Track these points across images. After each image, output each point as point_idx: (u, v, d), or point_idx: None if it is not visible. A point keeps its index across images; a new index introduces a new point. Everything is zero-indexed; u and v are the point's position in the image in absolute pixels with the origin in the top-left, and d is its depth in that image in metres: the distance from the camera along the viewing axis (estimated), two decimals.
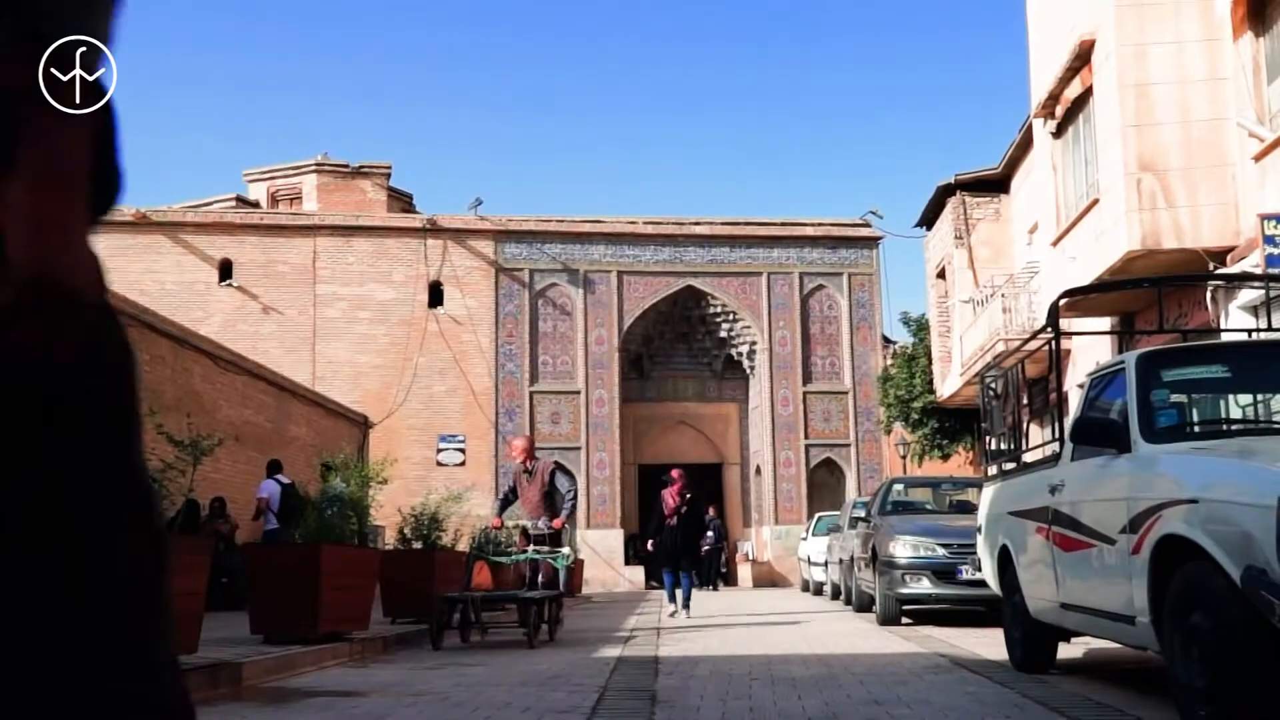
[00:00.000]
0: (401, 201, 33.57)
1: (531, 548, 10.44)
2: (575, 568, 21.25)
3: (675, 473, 13.87)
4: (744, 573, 29.47)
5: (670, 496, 13.43)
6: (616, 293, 30.12)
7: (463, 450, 28.87)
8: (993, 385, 8.32)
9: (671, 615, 13.10)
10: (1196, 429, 5.68)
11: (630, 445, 30.24)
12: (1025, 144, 19.25)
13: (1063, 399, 7.35)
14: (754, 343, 30.69)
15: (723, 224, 30.89)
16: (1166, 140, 12.50)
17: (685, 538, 13.30)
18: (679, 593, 13.27)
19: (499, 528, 11.42)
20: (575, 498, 10.69)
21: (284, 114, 78.67)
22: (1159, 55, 12.63)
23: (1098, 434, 5.27)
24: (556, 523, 10.34)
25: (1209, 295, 12.28)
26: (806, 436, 30.04)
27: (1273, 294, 9.45)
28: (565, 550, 10.49)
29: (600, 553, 28.13)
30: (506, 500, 11.03)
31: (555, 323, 30.28)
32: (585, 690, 6.00)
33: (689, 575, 13.42)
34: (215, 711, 5.45)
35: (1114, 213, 12.87)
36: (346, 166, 32.64)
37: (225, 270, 29.24)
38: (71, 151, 0.98)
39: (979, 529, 7.80)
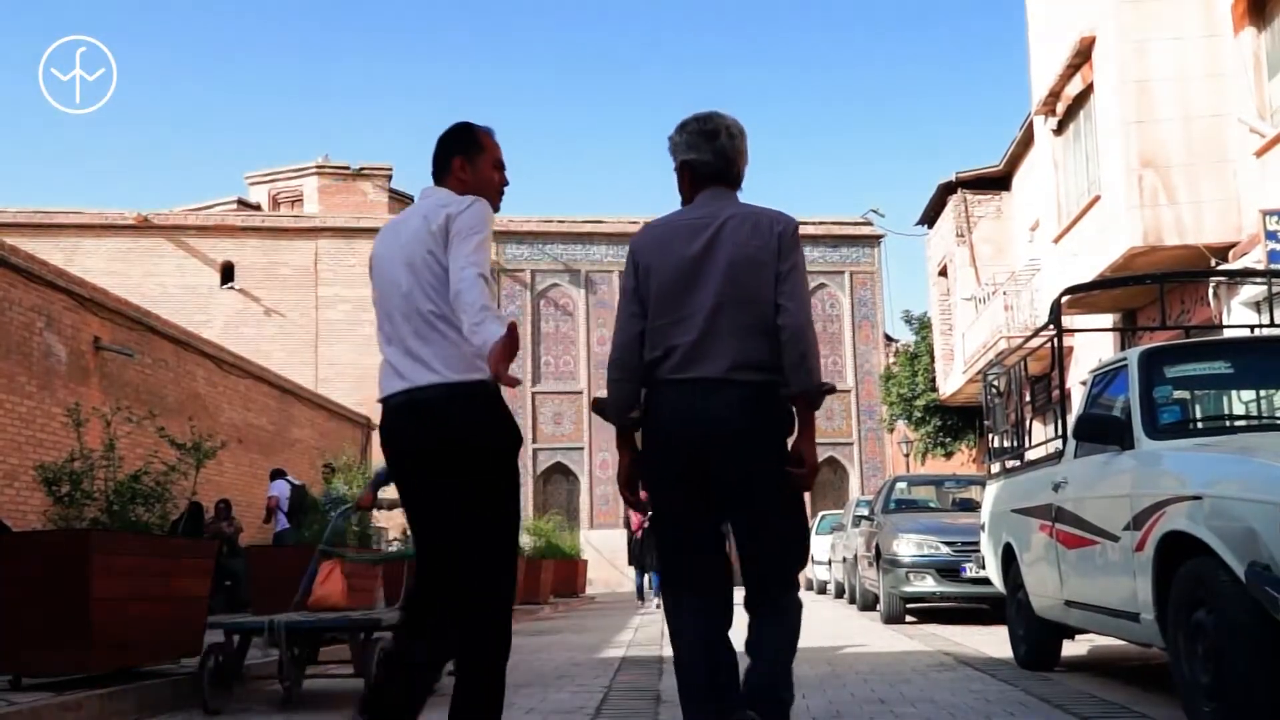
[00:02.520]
0: (403, 203, 33.55)
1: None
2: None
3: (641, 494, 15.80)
4: None
5: (634, 515, 15.96)
6: (618, 293, 30.08)
7: None
8: (995, 383, 8.32)
9: (656, 607, 14.29)
10: (1199, 425, 5.66)
11: None
12: (1026, 141, 19.24)
13: (1065, 396, 7.33)
14: None
15: None
16: (1168, 136, 12.49)
17: (651, 546, 15.83)
18: (649, 589, 16.36)
19: (369, 506, 7.07)
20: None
21: (285, 116, 78.73)
22: (1159, 51, 12.62)
23: (1100, 431, 5.26)
24: None
25: (1211, 291, 12.27)
26: None
27: (1275, 290, 9.45)
28: None
29: (604, 553, 28.14)
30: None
31: (557, 323, 30.28)
32: (590, 690, 6.00)
33: (657, 574, 15.12)
34: (222, 714, 5.46)
35: (1115, 209, 12.86)
36: (347, 169, 32.68)
37: (227, 273, 29.27)
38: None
39: (982, 527, 7.80)
